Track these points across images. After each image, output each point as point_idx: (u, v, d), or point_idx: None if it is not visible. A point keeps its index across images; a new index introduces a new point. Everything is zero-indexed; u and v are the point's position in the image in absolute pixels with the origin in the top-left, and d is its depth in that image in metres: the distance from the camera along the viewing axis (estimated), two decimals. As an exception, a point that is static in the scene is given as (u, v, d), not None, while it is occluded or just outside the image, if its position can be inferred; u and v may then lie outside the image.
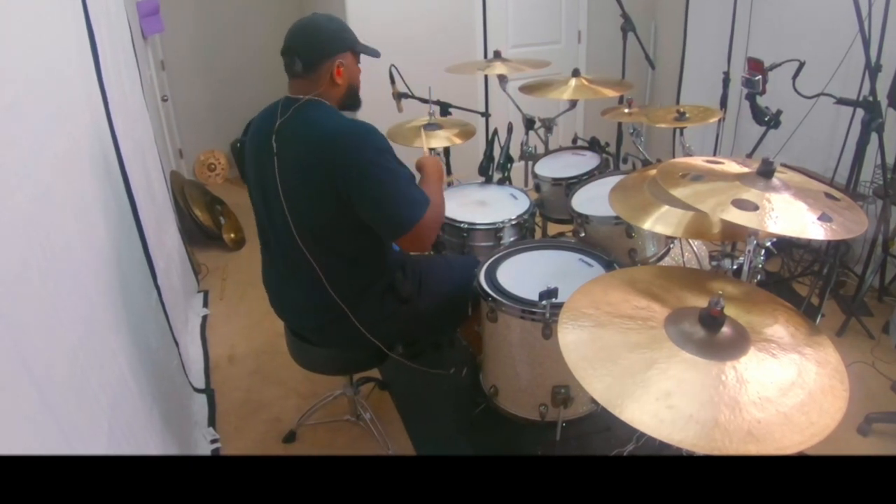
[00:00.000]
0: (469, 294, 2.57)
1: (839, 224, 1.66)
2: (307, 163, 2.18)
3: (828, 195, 1.79)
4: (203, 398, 3.41)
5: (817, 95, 3.43)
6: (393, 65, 3.35)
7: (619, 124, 4.52)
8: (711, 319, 1.53)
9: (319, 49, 2.26)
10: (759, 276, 2.11)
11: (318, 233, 2.27)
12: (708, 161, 2.00)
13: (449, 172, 3.95)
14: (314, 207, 2.23)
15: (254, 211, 2.49)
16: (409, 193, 2.21)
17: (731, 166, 1.93)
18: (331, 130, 2.17)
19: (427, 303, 2.56)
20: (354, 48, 2.35)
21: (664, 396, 1.37)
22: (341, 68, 2.28)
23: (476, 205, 3.28)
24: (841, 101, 3.34)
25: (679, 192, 1.79)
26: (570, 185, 3.34)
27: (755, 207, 1.67)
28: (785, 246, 4.35)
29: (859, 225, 1.68)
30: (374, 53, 2.45)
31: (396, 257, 2.55)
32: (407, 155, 2.93)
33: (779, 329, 1.61)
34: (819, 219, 1.66)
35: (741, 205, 1.69)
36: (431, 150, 3.05)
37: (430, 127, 3.49)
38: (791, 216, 1.66)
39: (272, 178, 2.24)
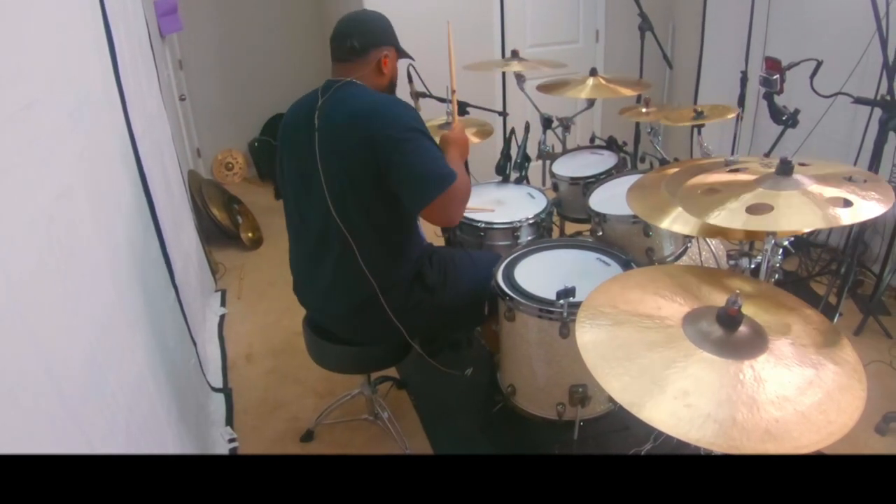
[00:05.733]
0: (488, 292, 2.58)
1: (862, 205, 1.64)
2: (344, 133, 2.26)
3: (847, 178, 1.78)
4: (221, 397, 3.43)
5: (835, 95, 3.41)
6: (411, 64, 3.35)
7: (637, 124, 4.50)
8: (729, 318, 1.53)
9: (374, 35, 2.46)
10: (776, 275, 2.10)
11: (353, 207, 2.30)
12: (726, 162, 1.99)
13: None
14: (350, 179, 2.27)
15: (283, 194, 2.56)
16: (438, 164, 2.25)
17: (752, 165, 1.93)
18: (369, 101, 2.32)
19: (451, 296, 2.59)
20: (397, 47, 2.57)
21: (682, 395, 1.37)
22: (387, 59, 2.47)
23: (494, 204, 3.28)
24: (858, 101, 3.32)
25: (700, 211, 1.79)
26: (588, 184, 3.34)
27: (770, 209, 1.67)
28: (802, 245, 4.33)
29: (886, 200, 1.66)
30: (409, 56, 2.69)
31: (425, 247, 2.63)
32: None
33: (796, 328, 1.61)
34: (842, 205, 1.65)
35: (756, 209, 1.68)
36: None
37: (448, 126, 3.49)
38: (809, 210, 1.66)
39: (311, 153, 2.30)
